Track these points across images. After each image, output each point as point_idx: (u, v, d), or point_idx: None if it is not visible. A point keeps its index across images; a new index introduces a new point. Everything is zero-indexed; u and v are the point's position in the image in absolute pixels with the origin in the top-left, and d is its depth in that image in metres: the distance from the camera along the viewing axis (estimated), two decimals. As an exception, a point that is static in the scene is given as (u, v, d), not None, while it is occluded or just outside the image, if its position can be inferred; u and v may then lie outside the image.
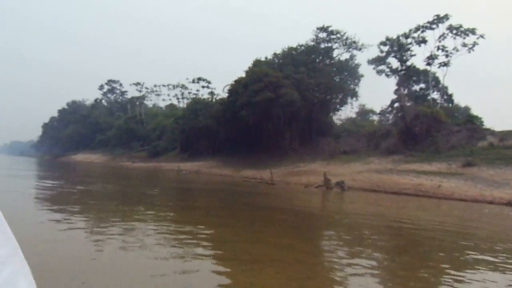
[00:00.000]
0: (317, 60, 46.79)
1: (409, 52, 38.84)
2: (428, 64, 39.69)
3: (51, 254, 4.89)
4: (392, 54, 38.83)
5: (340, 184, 22.84)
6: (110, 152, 78.48)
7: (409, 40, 38.23)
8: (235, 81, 46.41)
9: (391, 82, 51.37)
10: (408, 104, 43.60)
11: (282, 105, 41.14)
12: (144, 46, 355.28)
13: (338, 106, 53.92)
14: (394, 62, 40.49)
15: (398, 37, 37.93)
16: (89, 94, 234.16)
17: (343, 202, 16.91)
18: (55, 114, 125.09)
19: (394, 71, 39.58)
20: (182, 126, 58.87)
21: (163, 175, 35.93)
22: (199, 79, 65.09)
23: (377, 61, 39.22)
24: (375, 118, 65.45)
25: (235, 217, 9.43)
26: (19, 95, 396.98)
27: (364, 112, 69.64)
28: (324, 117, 53.01)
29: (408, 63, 39.69)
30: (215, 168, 47.04)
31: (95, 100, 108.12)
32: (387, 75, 40.25)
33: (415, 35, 37.77)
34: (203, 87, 65.63)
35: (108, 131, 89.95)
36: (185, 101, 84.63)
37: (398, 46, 37.67)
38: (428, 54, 39.19)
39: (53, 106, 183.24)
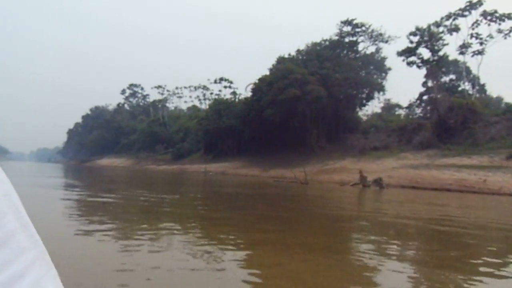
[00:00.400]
0: (342, 55, 45.57)
1: (441, 42, 37.21)
2: (461, 53, 38.04)
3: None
4: (423, 44, 37.25)
5: (378, 182, 21.76)
6: (135, 155, 78.94)
7: (441, 29, 36.68)
8: (259, 79, 45.67)
9: (416, 75, 49.69)
10: (439, 96, 41.94)
11: (308, 102, 40.16)
12: (164, 51, 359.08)
13: (364, 101, 52.44)
14: (425, 53, 38.88)
15: (429, 26, 36.38)
16: (112, 99, 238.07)
17: (392, 202, 15.83)
18: (79, 120, 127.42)
19: (426, 62, 37.97)
20: (205, 127, 58.50)
21: (190, 178, 35.45)
22: (221, 79, 64.63)
23: (407, 52, 37.74)
24: (401, 112, 63.70)
25: (290, 233, 8.31)
26: (44, 104, 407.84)
27: (389, 107, 67.80)
28: (351, 113, 51.74)
29: (441, 53, 37.98)
30: (241, 168, 46.40)
31: (118, 105, 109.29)
32: (418, 66, 38.66)
33: (447, 23, 36.21)
34: (225, 87, 65.12)
35: (131, 135, 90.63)
36: (207, 102, 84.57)
37: (429, 36, 36.10)
38: (461, 43, 37.55)
39: (77, 113, 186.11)
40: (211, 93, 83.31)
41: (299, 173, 39.15)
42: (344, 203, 15.34)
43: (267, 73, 47.63)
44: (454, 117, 34.67)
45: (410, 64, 38.19)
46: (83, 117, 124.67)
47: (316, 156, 43.15)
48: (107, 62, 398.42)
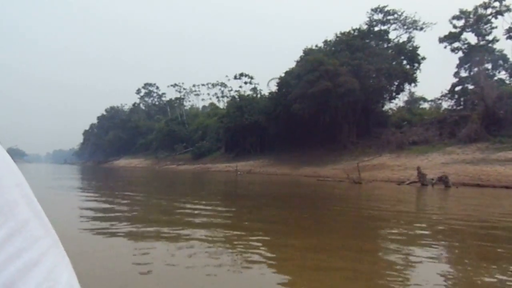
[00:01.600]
0: (373, 45, 42.96)
1: (489, 25, 34.36)
2: (510, 37, 35.07)
3: None
4: (469, 29, 34.47)
5: (443, 180, 19.28)
6: (153, 155, 77.31)
7: (489, 11, 33.85)
8: (286, 72, 43.39)
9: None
10: (482, 85, 39.03)
11: (340, 95, 37.71)
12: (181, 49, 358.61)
13: (394, 94, 49.69)
14: (471, 38, 35.91)
15: (475, 8, 33.61)
16: (127, 99, 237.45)
17: (477, 205, 13.39)
18: (95, 121, 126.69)
19: (472, 48, 35.13)
20: (226, 125, 56.38)
21: (217, 178, 33.36)
22: (241, 74, 62.46)
23: (451, 38, 34.99)
24: (426, 105, 60.81)
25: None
26: (59, 106, 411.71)
27: (413, 100, 64.79)
28: (380, 107, 49.18)
29: (489, 37, 35.12)
30: (269, 167, 44.18)
31: (133, 105, 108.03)
32: (464, 52, 35.80)
33: (496, 4, 33.38)
34: (245, 83, 62.85)
35: (148, 134, 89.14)
36: (225, 99, 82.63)
37: (476, 19, 33.32)
38: (507, 26, 34.69)
39: (92, 114, 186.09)
40: (230, 90, 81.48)
41: (334, 170, 36.96)
42: (423, 206, 12.98)
43: (289, 67, 45.38)
44: (504, 107, 31.88)
45: (454, 50, 35.39)
46: (98, 118, 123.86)
47: (349, 152, 40.72)
48: (121, 62, 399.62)
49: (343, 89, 36.77)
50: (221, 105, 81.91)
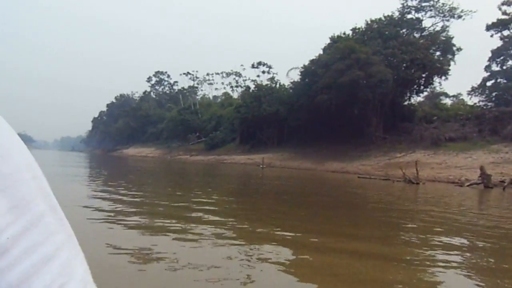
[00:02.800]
0: (405, 33, 40.23)
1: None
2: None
3: None
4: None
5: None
6: (164, 145, 75.17)
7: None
8: (311, 61, 40.79)
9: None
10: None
11: (371, 86, 35.13)
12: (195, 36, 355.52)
13: (422, 87, 46.88)
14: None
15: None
16: (137, 87, 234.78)
17: None
18: (104, 109, 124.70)
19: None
20: (243, 115, 53.93)
21: (235, 171, 31.04)
22: (259, 63, 59.74)
23: (500, 25, 32.20)
24: (448, 101, 57.98)
25: None
26: (67, 92, 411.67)
27: (435, 95, 61.84)
28: (406, 100, 46.57)
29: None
30: (289, 160, 41.77)
31: (144, 93, 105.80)
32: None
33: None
34: (263, 72, 60.15)
35: (158, 123, 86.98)
36: (239, 89, 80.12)
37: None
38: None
39: (102, 101, 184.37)
40: (244, 80, 78.93)
41: (364, 166, 34.54)
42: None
43: (314, 55, 42.67)
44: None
45: (504, 39, 32.55)
46: (108, 105, 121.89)
47: (377, 148, 38.22)
48: (133, 48, 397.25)
49: (376, 79, 34.18)
50: (235, 95, 79.51)
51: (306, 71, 41.87)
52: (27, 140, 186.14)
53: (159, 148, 75.64)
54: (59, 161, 36.32)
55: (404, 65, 36.03)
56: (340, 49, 34.91)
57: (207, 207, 8.98)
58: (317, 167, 36.43)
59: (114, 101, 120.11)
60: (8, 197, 0.36)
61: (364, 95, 35.54)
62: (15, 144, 0.40)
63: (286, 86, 54.44)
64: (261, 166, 36.16)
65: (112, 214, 7.55)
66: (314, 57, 40.51)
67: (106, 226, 6.42)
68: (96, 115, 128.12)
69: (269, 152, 48.73)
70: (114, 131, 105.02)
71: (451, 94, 62.11)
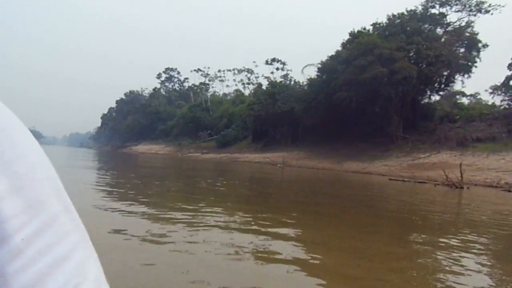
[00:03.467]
0: (428, 28, 38.62)
1: None
2: None
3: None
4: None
5: None
6: (174, 142, 74.11)
7: None
8: (330, 57, 39.33)
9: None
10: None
11: (394, 83, 33.65)
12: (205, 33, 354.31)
13: (443, 85, 45.19)
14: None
15: None
16: (146, 84, 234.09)
17: None
18: (113, 105, 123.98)
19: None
20: (257, 113, 52.62)
21: (251, 170, 29.78)
22: (273, 60, 58.33)
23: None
24: (464, 100, 56.12)
25: None
26: (76, 89, 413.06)
27: (451, 94, 59.95)
28: (426, 98, 45.00)
29: None
30: (305, 160, 40.39)
31: (154, 89, 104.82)
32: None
33: None
34: (277, 69, 58.74)
35: (169, 120, 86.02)
36: (251, 87, 78.86)
37: None
38: None
39: (111, 97, 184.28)
40: (256, 77, 77.70)
41: (386, 167, 33.08)
42: None
43: (333, 51, 41.20)
44: None
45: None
46: (117, 101, 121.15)
47: (397, 147, 36.72)
48: (143, 45, 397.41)
49: (400, 76, 32.70)
50: (247, 92, 78.25)
51: (324, 68, 40.49)
52: (36, 136, 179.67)
53: (170, 145, 74.62)
54: (70, 158, 35.33)
55: (428, 61, 34.42)
56: (362, 45, 33.45)
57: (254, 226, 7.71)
58: (336, 167, 35.05)
59: (123, 97, 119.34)
60: (23, 198, 0.36)
61: (386, 92, 34.10)
62: (29, 143, 0.40)
63: (301, 83, 53.14)
64: (279, 165, 34.82)
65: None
66: (333, 53, 39.04)
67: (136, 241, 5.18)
68: (105, 112, 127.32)
69: (283, 150, 47.41)
70: (124, 128, 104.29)
71: (468, 93, 60.37)
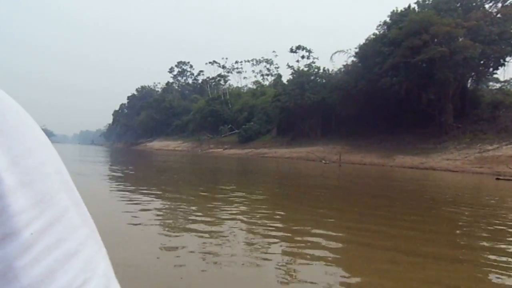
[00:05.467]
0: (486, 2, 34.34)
1: None
2: None
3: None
4: None
5: None
6: (192, 137, 70.40)
7: None
8: (374, 39, 35.20)
9: None
10: None
11: (453, 65, 29.44)
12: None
13: (491, 68, 40.70)
14: None
15: None
16: (157, 79, 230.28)
17: None
18: (125, 101, 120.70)
19: None
20: (285, 104, 48.64)
21: (293, 167, 25.94)
22: (298, 47, 54.12)
23: None
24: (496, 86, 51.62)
25: None
26: (87, 86, 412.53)
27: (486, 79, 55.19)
28: (475, 84, 40.62)
29: None
30: (346, 154, 36.11)
31: (167, 84, 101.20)
32: None
33: None
34: (302, 57, 54.57)
35: (183, 115, 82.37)
36: (270, 78, 74.87)
37: None
38: None
39: (121, 94, 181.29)
40: (276, 67, 73.66)
41: (448, 161, 28.94)
42: None
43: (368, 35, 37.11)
44: None
45: None
46: (128, 97, 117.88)
47: (452, 138, 32.54)
48: (154, 40, 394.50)
49: (461, 57, 28.44)
50: (265, 84, 74.12)
51: (363, 52, 36.33)
52: (47, 134, 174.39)
53: (187, 141, 70.93)
54: (82, 156, 31.74)
55: (490, 39, 30.12)
56: (416, 22, 29.17)
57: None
58: (386, 161, 31.07)
59: (135, 93, 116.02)
60: (32, 192, 0.36)
61: (443, 76, 29.86)
62: (39, 137, 0.39)
63: (330, 72, 49.03)
64: (323, 162, 30.89)
65: None
66: (373, 35, 34.89)
67: None
68: (117, 108, 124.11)
69: (314, 144, 43.46)
70: (137, 124, 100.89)
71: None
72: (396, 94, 32.69)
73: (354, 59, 38.52)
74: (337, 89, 39.28)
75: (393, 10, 36.44)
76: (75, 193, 0.41)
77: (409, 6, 35.93)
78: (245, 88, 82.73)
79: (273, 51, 67.62)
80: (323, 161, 30.84)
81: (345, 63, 41.48)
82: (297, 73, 49.56)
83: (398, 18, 33.57)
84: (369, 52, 35.21)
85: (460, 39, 28.19)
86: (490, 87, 43.93)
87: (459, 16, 31.05)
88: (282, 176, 19.19)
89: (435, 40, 28.92)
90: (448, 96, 32.76)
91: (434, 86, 30.81)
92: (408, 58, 30.21)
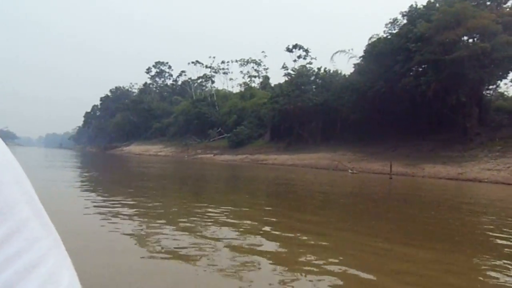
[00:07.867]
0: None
1: None
2: None
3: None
4: None
5: None
6: (174, 141, 65.42)
7: None
8: (395, 35, 31.92)
9: None
10: None
11: (490, 63, 26.43)
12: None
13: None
14: None
15: None
16: (133, 79, 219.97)
17: None
18: (97, 102, 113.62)
19: None
20: (283, 107, 44.78)
21: (314, 180, 22.09)
22: (295, 46, 50.46)
23: None
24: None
25: None
26: (52, 85, 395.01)
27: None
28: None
29: None
30: (362, 162, 32.55)
31: (144, 85, 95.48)
32: None
33: None
34: (299, 57, 50.97)
35: (164, 118, 77.21)
36: (257, 80, 70.96)
37: None
38: None
39: (91, 95, 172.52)
40: (265, 69, 69.87)
41: (488, 172, 25.80)
42: None
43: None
44: None
45: None
46: (101, 98, 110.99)
47: (480, 145, 29.50)
48: (130, 37, 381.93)
49: (501, 54, 25.42)
50: (254, 85, 70.13)
51: (379, 50, 32.97)
52: (10, 136, 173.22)
53: (169, 145, 65.84)
54: (48, 163, 26.60)
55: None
56: (451, 14, 25.96)
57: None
58: (413, 171, 27.62)
59: (109, 94, 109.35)
60: None
61: (477, 76, 26.76)
62: None
63: (331, 72, 45.64)
64: (350, 171, 27.03)
65: None
66: (399, 29, 31.62)
67: None
68: (88, 110, 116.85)
69: (317, 151, 39.80)
70: (111, 127, 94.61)
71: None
72: (420, 96, 29.40)
73: (364, 58, 35.12)
74: (348, 90, 35.70)
75: (411, 6, 33.32)
76: (37, 204, 0.39)
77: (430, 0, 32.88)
78: (232, 89, 78.64)
79: (262, 51, 63.50)
80: (350, 171, 26.98)
81: (356, 62, 37.97)
82: (296, 73, 45.88)
83: (424, 12, 30.35)
84: (387, 49, 31.88)
85: (501, 35, 25.06)
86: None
87: (491, 8, 28.20)
88: (327, 200, 15.13)
89: (474, 35, 25.76)
90: (476, 99, 29.76)
91: (466, 88, 27.65)
92: (438, 55, 26.94)
